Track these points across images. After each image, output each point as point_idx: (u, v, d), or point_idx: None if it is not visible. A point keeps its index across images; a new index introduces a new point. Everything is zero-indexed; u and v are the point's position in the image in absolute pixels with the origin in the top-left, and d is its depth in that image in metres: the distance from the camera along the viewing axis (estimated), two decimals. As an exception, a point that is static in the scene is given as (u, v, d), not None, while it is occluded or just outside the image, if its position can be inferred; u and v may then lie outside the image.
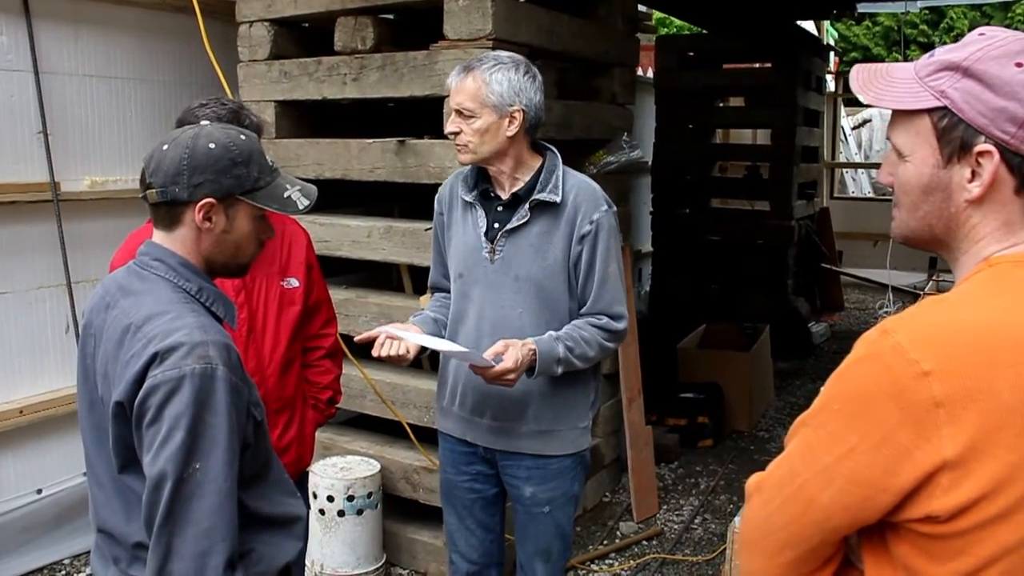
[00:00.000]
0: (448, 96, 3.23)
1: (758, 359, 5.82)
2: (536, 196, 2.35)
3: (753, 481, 1.20)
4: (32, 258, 3.69)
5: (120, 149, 3.99)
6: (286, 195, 1.64)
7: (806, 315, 7.67)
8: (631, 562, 3.89)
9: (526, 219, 2.35)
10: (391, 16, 3.85)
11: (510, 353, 2.22)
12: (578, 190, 2.39)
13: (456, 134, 2.35)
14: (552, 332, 2.34)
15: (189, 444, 1.43)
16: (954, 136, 1.08)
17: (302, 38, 3.96)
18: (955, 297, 1.09)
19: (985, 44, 1.08)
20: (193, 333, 1.48)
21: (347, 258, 3.74)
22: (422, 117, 3.85)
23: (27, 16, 3.55)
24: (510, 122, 2.32)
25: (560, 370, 2.32)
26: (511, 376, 2.22)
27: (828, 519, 1.07)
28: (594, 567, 3.84)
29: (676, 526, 4.25)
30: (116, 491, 1.57)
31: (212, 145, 1.55)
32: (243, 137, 1.60)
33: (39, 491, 3.77)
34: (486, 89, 2.29)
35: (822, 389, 1.11)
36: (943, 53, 1.11)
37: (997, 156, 1.06)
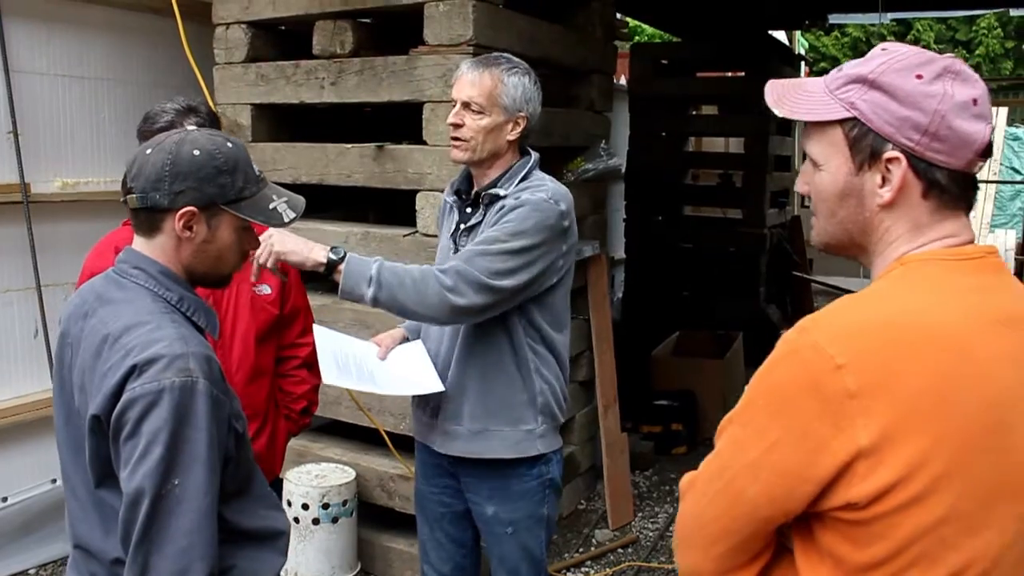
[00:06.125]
0: (429, 98, 3.29)
1: (731, 366, 5.85)
2: (489, 191, 2.31)
3: (686, 479, 1.24)
4: (0, 261, 3.62)
5: (92, 151, 3.92)
6: (271, 207, 1.60)
7: (778, 322, 7.70)
8: (607, 570, 3.88)
9: (482, 216, 2.32)
10: (370, 20, 3.82)
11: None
12: (530, 183, 2.31)
13: (457, 127, 2.28)
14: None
15: (168, 460, 1.39)
16: (864, 145, 1.15)
17: (279, 41, 3.91)
18: (868, 294, 1.15)
19: (888, 58, 1.15)
20: (173, 345, 1.45)
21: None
22: (400, 122, 3.83)
23: (-3, 14, 3.49)
24: (513, 127, 2.30)
25: (370, 292, 2.12)
26: (274, 247, 2.07)
27: (756, 510, 1.13)
28: (569, 575, 3.83)
29: (651, 533, 4.25)
30: (93, 506, 1.53)
31: (196, 152, 1.52)
32: (229, 145, 1.57)
33: (5, 499, 3.70)
34: (501, 89, 2.26)
35: (747, 386, 1.17)
36: (851, 67, 1.18)
37: (904, 162, 1.13)
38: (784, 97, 1.23)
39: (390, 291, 2.14)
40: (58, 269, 3.76)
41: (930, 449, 1.03)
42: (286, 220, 1.62)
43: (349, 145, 3.58)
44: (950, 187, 1.14)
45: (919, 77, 1.12)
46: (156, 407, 1.40)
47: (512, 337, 2.31)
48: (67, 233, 3.79)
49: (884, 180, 1.15)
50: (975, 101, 1.12)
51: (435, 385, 2.30)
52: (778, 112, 1.23)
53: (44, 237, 3.69)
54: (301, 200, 1.67)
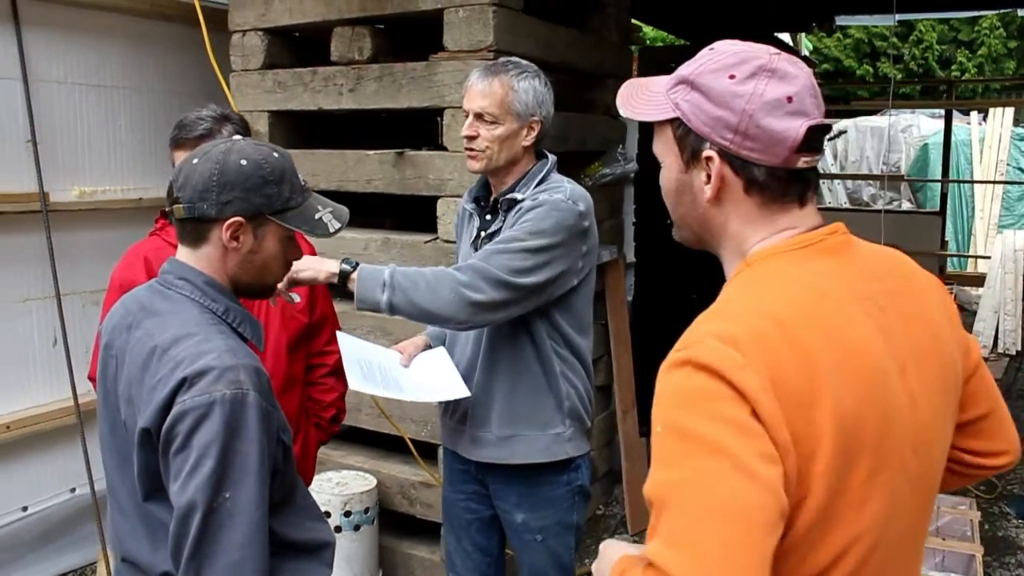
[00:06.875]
0: (449, 104, 3.28)
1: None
2: (506, 196, 2.30)
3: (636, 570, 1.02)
4: (19, 270, 3.61)
5: (109, 159, 3.91)
6: (317, 216, 1.60)
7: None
8: (627, 576, 3.86)
9: (502, 223, 2.31)
10: (388, 26, 3.81)
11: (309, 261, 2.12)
12: (548, 186, 2.29)
13: (472, 139, 2.27)
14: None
15: (219, 473, 1.38)
16: (688, 143, 1.19)
17: (296, 48, 3.91)
18: (725, 306, 1.14)
19: (708, 58, 1.19)
20: (223, 357, 1.44)
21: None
22: (416, 128, 3.82)
23: (16, 23, 3.48)
24: (528, 132, 2.28)
25: (384, 297, 2.12)
26: (302, 274, 2.09)
27: (770, 517, 0.98)
28: (590, 581, 3.82)
29: (670, 539, 4.23)
30: (140, 519, 1.52)
31: (244, 162, 1.51)
32: (276, 155, 1.56)
33: (25, 508, 3.68)
34: (512, 96, 2.24)
35: (660, 448, 1.04)
36: (682, 67, 1.22)
37: (718, 160, 1.17)
38: (630, 98, 1.28)
39: (404, 293, 2.12)
40: (76, 278, 3.76)
41: (819, 438, 1.03)
42: (331, 230, 1.61)
43: (369, 152, 3.56)
44: (770, 183, 1.17)
45: (731, 77, 1.15)
46: (207, 420, 1.38)
47: (535, 340, 2.30)
48: (85, 242, 3.79)
49: (709, 177, 1.18)
50: (789, 99, 1.14)
51: (461, 391, 2.29)
52: (623, 113, 1.28)
53: (62, 246, 3.68)
54: (345, 210, 1.67)
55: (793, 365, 1.04)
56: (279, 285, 2.03)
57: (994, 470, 1.37)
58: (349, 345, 2.35)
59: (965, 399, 1.30)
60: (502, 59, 2.37)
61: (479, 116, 2.26)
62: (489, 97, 2.24)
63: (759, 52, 1.18)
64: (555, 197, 2.23)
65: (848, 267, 1.18)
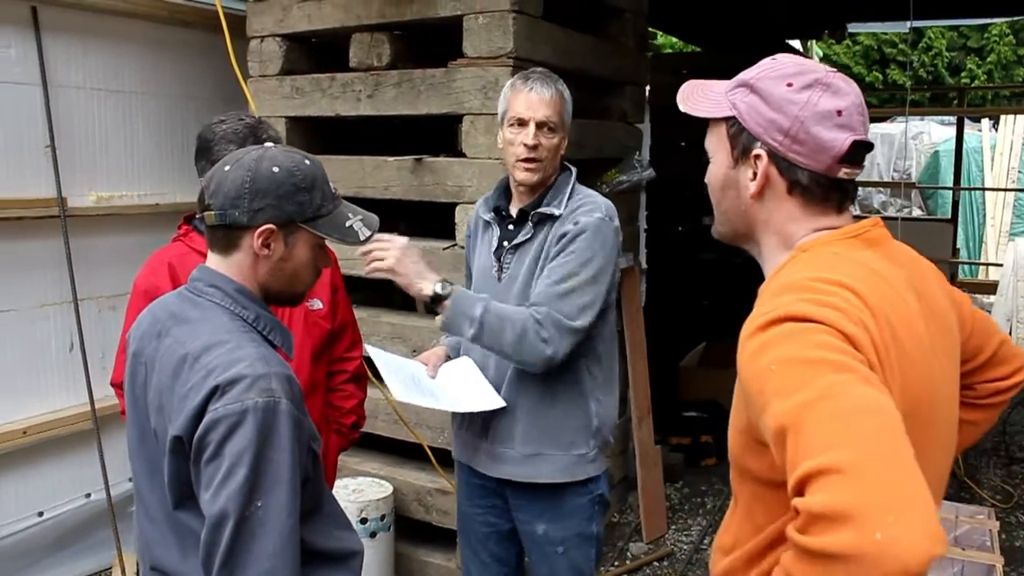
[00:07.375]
0: (468, 111, 3.26)
1: (758, 377, 5.80)
2: (538, 210, 2.29)
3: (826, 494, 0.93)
4: (36, 275, 3.61)
5: (127, 164, 3.91)
6: (348, 224, 1.59)
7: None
8: (643, 584, 3.86)
9: (530, 234, 2.30)
10: (406, 33, 3.81)
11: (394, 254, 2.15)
12: (582, 202, 2.29)
13: (534, 148, 2.23)
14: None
15: (252, 481, 1.37)
16: (740, 141, 1.29)
17: (315, 53, 3.91)
18: (799, 277, 1.17)
19: (769, 66, 1.29)
20: (255, 365, 1.43)
21: (360, 277, 3.68)
22: (435, 134, 3.82)
23: (36, 29, 3.48)
24: (565, 142, 2.30)
25: (471, 332, 2.15)
26: (387, 262, 2.13)
27: (899, 419, 0.99)
28: (606, 590, 3.81)
29: (686, 547, 4.22)
30: (170, 527, 1.51)
31: (276, 169, 1.51)
32: (307, 162, 1.56)
33: (40, 513, 3.67)
34: (564, 105, 2.26)
35: (777, 386, 1.04)
36: (743, 73, 1.32)
37: (766, 159, 1.26)
38: (690, 96, 1.37)
39: (492, 336, 2.15)
40: (93, 283, 3.75)
41: (898, 393, 1.08)
42: (362, 238, 1.60)
43: (387, 158, 3.56)
44: (812, 188, 1.25)
45: (789, 85, 1.24)
46: (240, 428, 1.38)
47: (570, 359, 2.26)
48: (102, 247, 3.79)
49: (754, 175, 1.28)
50: (839, 112, 1.22)
51: (496, 401, 2.28)
52: (681, 108, 1.36)
53: (80, 251, 3.67)
54: (375, 218, 1.66)
55: (876, 330, 1.10)
56: (368, 273, 2.10)
57: (1018, 386, 1.52)
58: (386, 359, 2.35)
59: (979, 342, 1.45)
60: (542, 68, 2.37)
61: (542, 125, 2.24)
62: (551, 106, 2.24)
63: (817, 67, 1.27)
64: (594, 218, 2.23)
65: (891, 256, 1.27)
